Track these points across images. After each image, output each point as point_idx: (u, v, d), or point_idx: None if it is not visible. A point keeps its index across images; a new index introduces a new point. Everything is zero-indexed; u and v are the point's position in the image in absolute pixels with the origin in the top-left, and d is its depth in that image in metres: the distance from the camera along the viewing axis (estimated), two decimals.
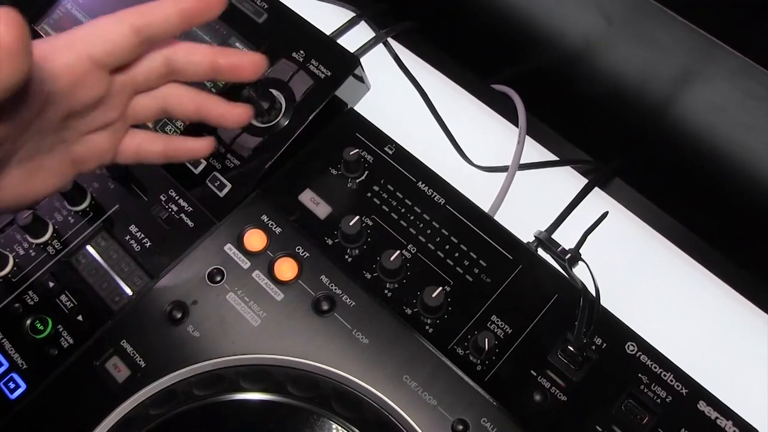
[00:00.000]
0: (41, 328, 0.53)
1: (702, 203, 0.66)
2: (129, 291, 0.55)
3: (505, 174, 0.64)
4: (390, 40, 0.71)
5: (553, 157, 0.67)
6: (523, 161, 0.65)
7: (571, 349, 0.50)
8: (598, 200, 0.65)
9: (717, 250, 0.63)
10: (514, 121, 0.68)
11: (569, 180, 0.66)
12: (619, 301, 0.54)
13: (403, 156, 0.58)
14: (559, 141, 0.69)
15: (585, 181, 0.65)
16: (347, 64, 0.58)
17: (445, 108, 0.68)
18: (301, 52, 0.58)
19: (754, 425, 0.49)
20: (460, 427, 0.48)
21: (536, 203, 0.64)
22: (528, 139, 0.66)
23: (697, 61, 0.56)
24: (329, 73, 0.57)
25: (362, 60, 0.62)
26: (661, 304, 0.60)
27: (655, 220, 0.65)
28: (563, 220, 0.62)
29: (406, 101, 0.69)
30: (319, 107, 0.57)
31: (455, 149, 0.66)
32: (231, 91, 0.59)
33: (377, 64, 0.68)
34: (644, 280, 0.61)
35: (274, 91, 0.57)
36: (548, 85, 0.71)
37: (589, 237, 0.58)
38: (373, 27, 0.72)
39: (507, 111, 0.69)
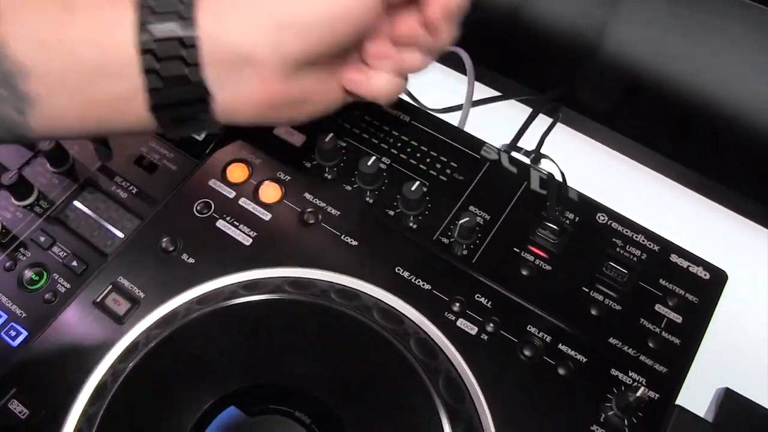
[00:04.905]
0: (36, 278, 0.54)
1: (649, 116, 0.72)
2: (121, 234, 0.56)
3: (458, 113, 0.69)
4: None
5: None
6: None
7: (548, 224, 0.54)
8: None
9: (669, 158, 0.69)
10: (460, 69, 0.73)
11: (520, 116, 0.71)
12: None
13: None
14: (506, 83, 0.74)
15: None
16: None
17: None
18: None
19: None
20: (457, 305, 0.51)
21: (491, 137, 0.68)
22: (477, 84, 0.71)
23: None
24: None
25: None
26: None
27: (606, 138, 0.70)
28: (518, 141, 0.67)
29: None
30: None
31: (407, 96, 0.71)
32: None
33: None
34: (607, 194, 0.66)
35: None
36: (491, 36, 0.76)
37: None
38: None
39: (451, 62, 0.74)
